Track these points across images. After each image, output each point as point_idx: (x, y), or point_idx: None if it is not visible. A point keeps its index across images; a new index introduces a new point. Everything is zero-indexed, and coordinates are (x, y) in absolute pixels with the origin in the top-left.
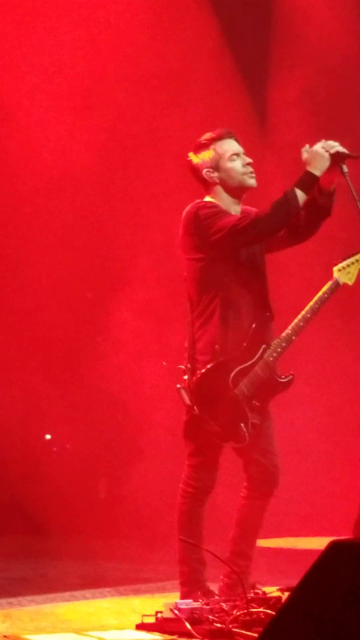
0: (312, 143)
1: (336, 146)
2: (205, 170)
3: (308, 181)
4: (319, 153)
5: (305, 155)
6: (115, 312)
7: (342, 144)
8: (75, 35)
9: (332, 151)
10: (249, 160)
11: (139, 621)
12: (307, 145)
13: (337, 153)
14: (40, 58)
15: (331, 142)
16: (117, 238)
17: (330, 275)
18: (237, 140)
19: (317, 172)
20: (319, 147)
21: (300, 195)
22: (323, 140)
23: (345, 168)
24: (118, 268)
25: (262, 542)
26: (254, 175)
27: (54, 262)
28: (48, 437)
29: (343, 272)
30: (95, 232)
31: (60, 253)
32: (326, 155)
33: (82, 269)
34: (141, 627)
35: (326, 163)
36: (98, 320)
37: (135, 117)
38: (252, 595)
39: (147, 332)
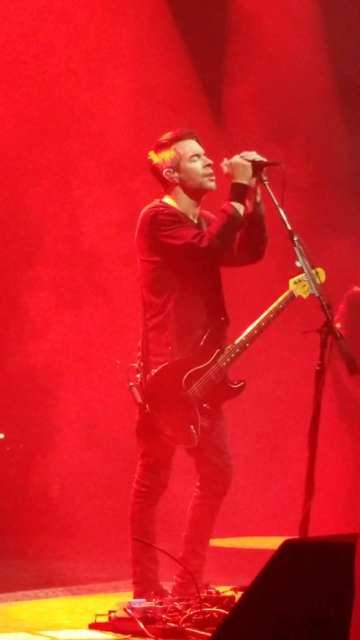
0: (265, 141)
1: (253, 155)
2: (166, 170)
3: (240, 192)
4: (240, 163)
5: (226, 169)
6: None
7: (294, 142)
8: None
9: (250, 159)
10: (209, 161)
11: (92, 621)
12: (226, 159)
13: (255, 162)
14: None
15: (248, 152)
16: (27, 216)
17: (286, 285)
18: (197, 141)
19: (245, 181)
20: (237, 158)
21: (239, 207)
22: (243, 152)
23: (264, 176)
24: (30, 246)
25: (215, 542)
26: (214, 178)
27: None
28: (1, 436)
29: (299, 285)
30: (7, 208)
31: None
32: (247, 163)
33: None
34: (94, 626)
35: (249, 171)
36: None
37: (81, 109)
38: (205, 594)
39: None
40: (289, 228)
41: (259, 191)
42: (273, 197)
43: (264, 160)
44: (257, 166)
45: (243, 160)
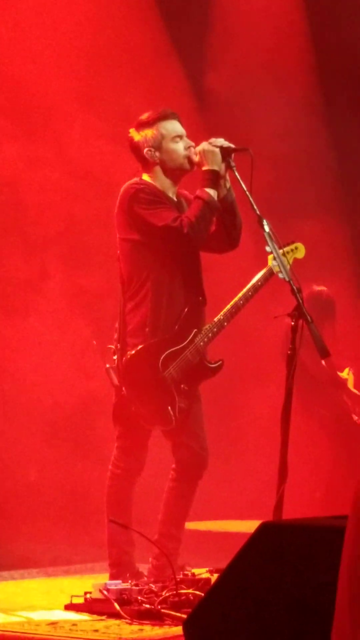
0: (250, 123)
1: (222, 141)
2: (147, 149)
3: (212, 178)
4: (208, 150)
5: (195, 157)
6: None
7: (274, 126)
8: None
9: (218, 145)
10: (191, 143)
11: (67, 602)
12: (197, 148)
13: (223, 148)
14: None
15: (216, 139)
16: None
17: (264, 263)
18: (180, 122)
19: (216, 167)
20: (205, 145)
21: (213, 193)
22: (211, 139)
23: (232, 162)
24: None
25: (190, 525)
26: (195, 160)
27: None
28: None
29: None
30: None
31: None
32: (216, 149)
33: None
34: (70, 607)
35: (218, 157)
36: None
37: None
38: (181, 576)
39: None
40: (258, 213)
41: (228, 177)
42: (241, 182)
43: (232, 146)
44: (225, 152)
45: (211, 146)
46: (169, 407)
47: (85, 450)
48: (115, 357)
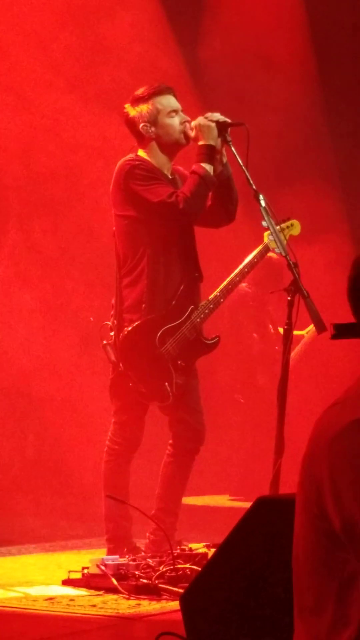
0: (241, 99)
1: (217, 116)
2: (142, 124)
3: (208, 153)
4: (204, 124)
5: (192, 132)
6: None
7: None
8: None
9: (214, 119)
10: (186, 118)
11: (65, 577)
12: (193, 123)
13: (219, 122)
14: None
15: (212, 114)
16: None
17: (260, 239)
18: (175, 97)
19: (212, 142)
20: (201, 119)
21: (209, 168)
22: (207, 114)
23: (228, 137)
24: None
25: (187, 500)
26: (190, 134)
27: None
28: None
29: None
30: None
31: None
32: (212, 124)
33: None
34: (67, 582)
35: (214, 131)
36: None
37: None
38: (178, 551)
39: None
40: (254, 188)
41: (224, 152)
42: (237, 157)
43: (228, 120)
44: (221, 127)
45: (207, 121)
46: (166, 383)
47: (82, 425)
48: (112, 334)
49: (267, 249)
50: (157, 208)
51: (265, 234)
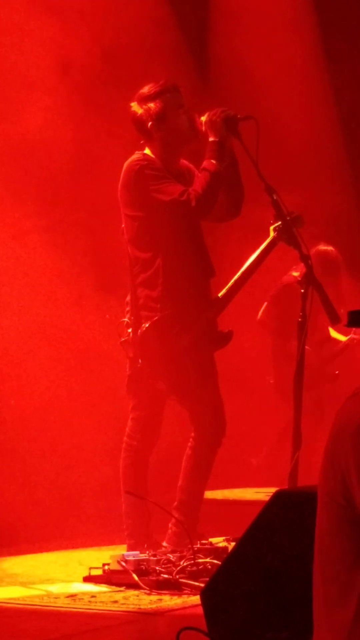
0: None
1: (225, 111)
2: (150, 122)
3: (216, 149)
4: (213, 120)
5: (202, 127)
6: None
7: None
8: None
9: (223, 115)
10: (194, 113)
11: (86, 574)
12: (202, 118)
13: (227, 118)
14: None
15: (219, 109)
16: None
17: (267, 232)
18: (181, 94)
19: (221, 138)
20: (210, 115)
21: (220, 165)
22: (216, 109)
23: (237, 131)
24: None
25: (208, 494)
26: (197, 131)
27: None
28: None
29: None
30: None
31: None
32: (218, 120)
33: None
34: (88, 579)
35: (224, 127)
36: None
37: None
38: (198, 546)
39: None
40: (265, 181)
41: (232, 147)
42: (247, 151)
43: (237, 115)
44: (230, 122)
45: (216, 116)
46: (185, 378)
47: (101, 421)
48: (129, 330)
49: (274, 243)
50: (170, 207)
51: (271, 227)
